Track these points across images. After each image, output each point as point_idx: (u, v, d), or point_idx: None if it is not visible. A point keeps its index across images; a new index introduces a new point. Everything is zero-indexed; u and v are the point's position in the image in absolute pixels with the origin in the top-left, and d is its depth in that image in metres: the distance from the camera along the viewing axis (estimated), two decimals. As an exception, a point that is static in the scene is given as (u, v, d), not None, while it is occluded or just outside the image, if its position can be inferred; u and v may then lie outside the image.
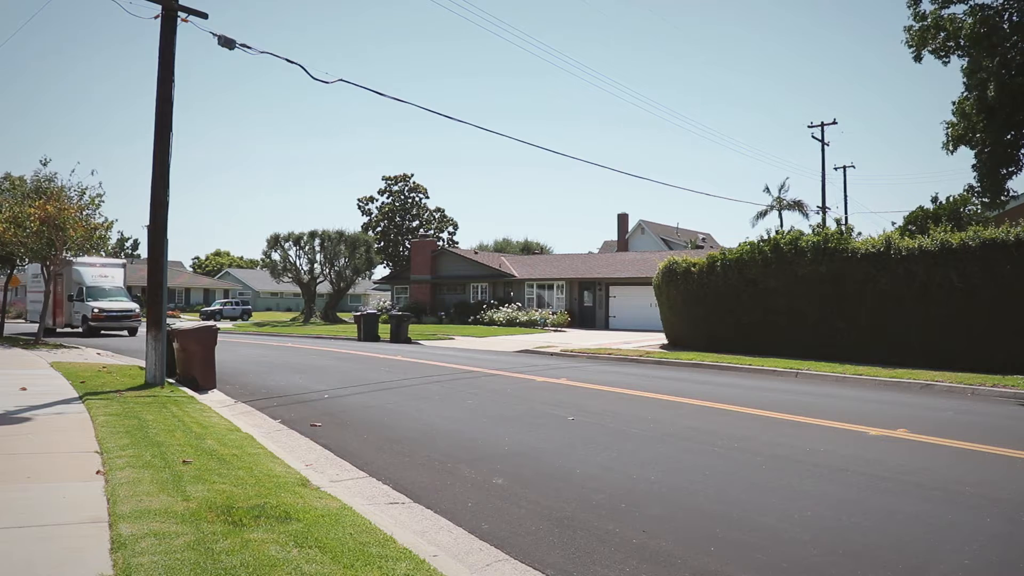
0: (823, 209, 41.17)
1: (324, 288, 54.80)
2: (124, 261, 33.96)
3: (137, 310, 30.34)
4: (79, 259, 27.61)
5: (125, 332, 30.79)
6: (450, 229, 74.64)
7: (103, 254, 27.06)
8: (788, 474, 6.64)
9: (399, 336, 27.19)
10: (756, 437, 8.34)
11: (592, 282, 39.63)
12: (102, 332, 29.85)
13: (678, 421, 9.44)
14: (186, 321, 21.14)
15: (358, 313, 30.27)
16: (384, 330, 30.14)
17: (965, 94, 23.52)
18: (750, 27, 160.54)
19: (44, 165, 22.88)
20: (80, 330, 29.96)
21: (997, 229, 15.39)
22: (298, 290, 59.96)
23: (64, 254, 21.90)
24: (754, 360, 17.04)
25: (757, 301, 19.23)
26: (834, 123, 40.23)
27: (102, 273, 31.06)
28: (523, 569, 4.41)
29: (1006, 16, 22.18)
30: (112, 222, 22.80)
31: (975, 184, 24.45)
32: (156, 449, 6.74)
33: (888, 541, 4.84)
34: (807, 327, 18.10)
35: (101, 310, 29.20)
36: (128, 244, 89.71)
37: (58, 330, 30.28)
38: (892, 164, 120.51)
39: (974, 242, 15.23)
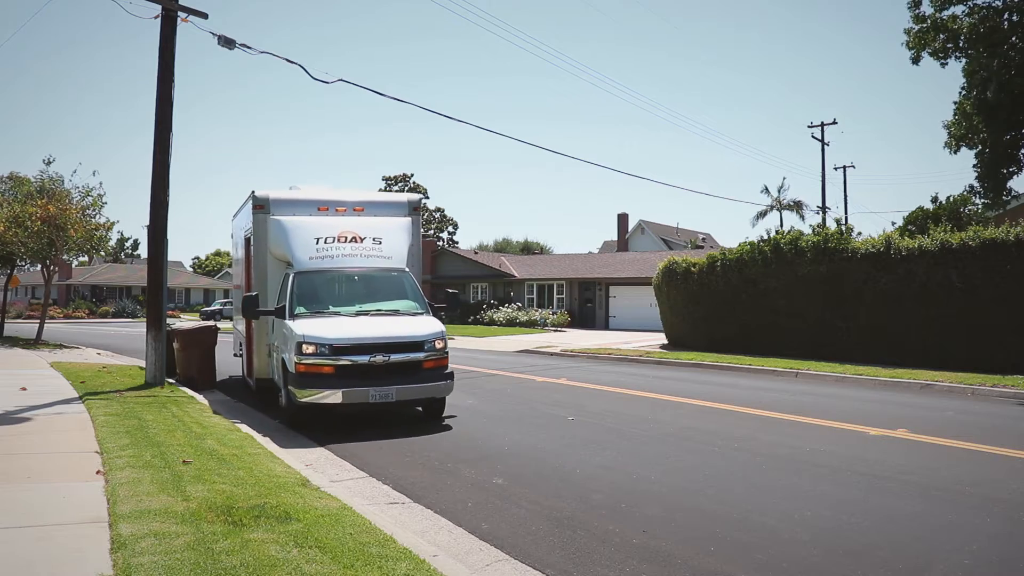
0: (823, 209, 41.15)
1: (324, 288, 54.60)
2: (406, 198, 11.57)
3: (440, 336, 9.34)
4: (282, 193, 11.02)
5: (416, 406, 10.02)
6: (450, 229, 74.61)
7: (103, 254, 26.49)
8: (788, 474, 6.64)
9: (399, 336, 26.95)
10: (756, 437, 8.34)
11: (592, 282, 39.62)
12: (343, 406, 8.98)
13: (678, 421, 9.44)
14: (186, 321, 21.14)
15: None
16: (384, 330, 30.05)
17: (965, 94, 23.52)
18: (750, 27, 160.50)
19: (48, 164, 22.91)
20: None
21: (997, 229, 15.37)
22: (298, 290, 59.74)
23: (64, 255, 21.91)
24: (754, 360, 17.03)
25: (757, 301, 19.22)
26: (834, 123, 40.17)
27: (346, 230, 10.48)
28: (523, 569, 4.41)
29: (1006, 16, 22.18)
30: (113, 223, 22.86)
31: (976, 184, 24.45)
32: (156, 449, 6.74)
33: (888, 541, 4.84)
34: (807, 327, 18.09)
35: (328, 346, 8.77)
36: (128, 244, 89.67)
37: (253, 380, 11.78)
38: (892, 164, 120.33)
39: (974, 242, 15.22)
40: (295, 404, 8.78)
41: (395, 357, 8.87)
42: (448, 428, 9.11)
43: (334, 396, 8.52)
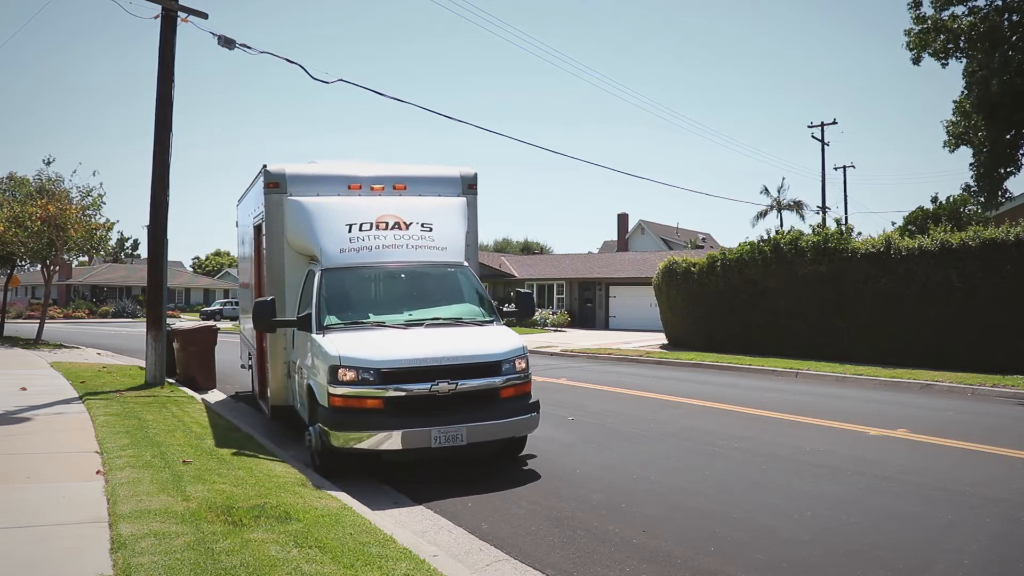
0: (823, 209, 41.14)
1: (324, 288, 54.43)
2: (459, 172, 8.94)
3: (521, 353, 7.11)
4: (303, 168, 8.58)
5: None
6: (450, 229, 74.50)
7: (103, 254, 26.44)
8: (788, 474, 6.64)
9: (399, 336, 26.81)
10: (756, 437, 8.34)
11: (592, 282, 39.62)
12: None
13: (678, 421, 9.44)
14: (186, 321, 21.14)
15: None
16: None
17: (966, 93, 23.53)
18: (750, 27, 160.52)
19: (47, 164, 22.92)
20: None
21: (997, 229, 15.37)
22: (298, 290, 59.58)
23: (64, 255, 21.91)
24: (754, 360, 17.03)
25: (757, 301, 19.21)
26: (834, 123, 40.16)
27: (387, 214, 8.11)
28: (523, 569, 4.41)
29: (1006, 16, 22.19)
30: (113, 223, 22.86)
31: (971, 183, 24.46)
32: (156, 449, 6.74)
33: (888, 541, 4.84)
34: (807, 327, 18.08)
35: (375, 371, 6.44)
36: (128, 244, 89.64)
37: (267, 406, 9.31)
38: (892, 164, 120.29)
39: (974, 242, 15.22)
40: (330, 449, 6.38)
41: (464, 384, 6.54)
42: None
43: (389, 441, 6.22)
